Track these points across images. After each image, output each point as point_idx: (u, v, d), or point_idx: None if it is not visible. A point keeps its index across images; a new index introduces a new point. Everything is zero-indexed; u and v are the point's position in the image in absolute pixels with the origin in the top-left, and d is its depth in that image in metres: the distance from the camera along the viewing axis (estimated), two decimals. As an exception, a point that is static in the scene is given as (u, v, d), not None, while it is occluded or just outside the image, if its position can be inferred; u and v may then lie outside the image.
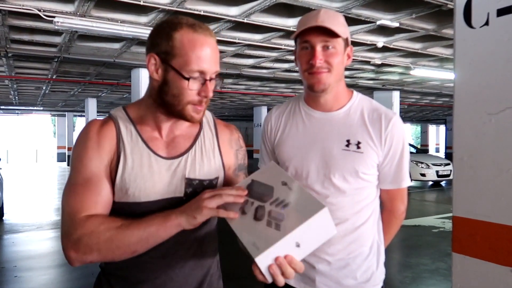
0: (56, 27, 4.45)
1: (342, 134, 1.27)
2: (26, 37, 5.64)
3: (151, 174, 1.00)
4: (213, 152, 1.11)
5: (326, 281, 1.28)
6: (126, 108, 1.08)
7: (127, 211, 0.99)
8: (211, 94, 1.00)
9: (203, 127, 1.13)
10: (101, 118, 1.09)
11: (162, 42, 0.96)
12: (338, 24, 1.22)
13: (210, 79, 0.98)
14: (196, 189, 1.04)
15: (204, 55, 0.96)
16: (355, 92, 1.35)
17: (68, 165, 18.71)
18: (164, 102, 1.00)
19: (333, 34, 1.20)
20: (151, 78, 1.01)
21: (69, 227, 0.94)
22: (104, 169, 0.99)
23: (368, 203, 1.30)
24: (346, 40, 1.25)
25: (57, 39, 5.83)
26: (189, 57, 0.95)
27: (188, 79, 0.95)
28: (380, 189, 1.34)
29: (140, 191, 0.99)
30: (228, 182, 1.14)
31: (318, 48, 1.22)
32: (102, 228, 0.91)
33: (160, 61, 0.98)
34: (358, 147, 1.25)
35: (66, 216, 0.95)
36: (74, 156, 1.01)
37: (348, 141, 1.26)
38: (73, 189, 0.98)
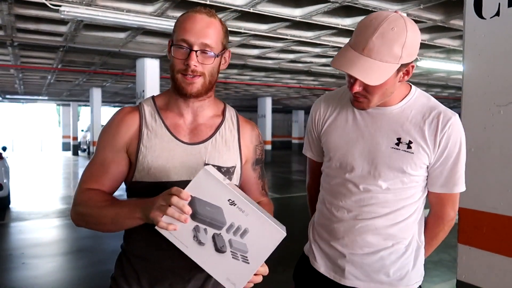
0: (62, 16, 4.44)
1: (393, 131, 1.19)
2: (31, 26, 5.64)
3: (172, 157, 1.09)
4: (233, 143, 1.17)
5: (355, 272, 1.24)
6: (155, 98, 1.18)
7: (150, 191, 1.05)
8: (193, 63, 1.04)
9: (225, 119, 1.20)
10: (131, 106, 1.21)
11: (173, 27, 1.11)
12: (389, 56, 1.06)
13: (197, 51, 1.05)
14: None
15: (189, 26, 1.06)
16: (413, 88, 1.25)
17: (73, 154, 18.83)
18: (171, 78, 1.11)
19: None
20: None
21: (76, 194, 1.12)
22: (116, 153, 1.11)
23: (412, 202, 1.23)
24: (404, 64, 1.10)
25: (62, 28, 5.82)
26: (178, 30, 1.07)
27: (171, 45, 1.07)
28: (429, 191, 1.25)
29: (161, 171, 1.08)
30: (245, 175, 1.21)
31: (357, 84, 1.12)
32: (90, 203, 1.06)
33: (170, 42, 1.11)
34: (409, 147, 1.17)
35: (78, 185, 1.14)
36: (98, 140, 1.17)
37: (398, 139, 1.18)
38: (88, 166, 1.15)
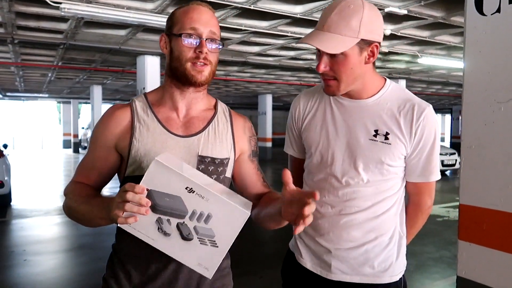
0: (62, 13, 4.44)
1: (371, 123, 1.23)
2: (32, 23, 5.64)
3: (164, 150, 1.09)
4: (226, 135, 1.18)
5: (341, 266, 1.26)
6: (146, 94, 1.19)
7: None
8: (205, 50, 1.07)
9: (218, 112, 1.20)
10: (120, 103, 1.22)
11: (168, 22, 1.14)
12: (347, 29, 1.11)
13: (206, 39, 1.08)
14: (207, 167, 1.11)
15: (196, 16, 1.08)
16: (388, 81, 1.28)
17: (73, 152, 18.85)
18: (173, 70, 1.11)
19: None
20: (166, 58, 1.15)
21: (67, 185, 1.16)
22: (105, 149, 1.13)
23: (392, 194, 1.26)
24: (365, 40, 1.14)
25: (63, 26, 5.82)
26: (183, 20, 1.09)
27: (181, 35, 1.07)
28: (407, 181, 1.30)
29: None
30: (244, 167, 1.21)
31: (324, 55, 1.17)
32: (71, 196, 1.09)
33: (167, 37, 1.13)
34: (386, 138, 1.21)
35: (73, 176, 1.18)
36: (91, 134, 1.20)
37: (376, 131, 1.22)
38: (82, 159, 1.19)
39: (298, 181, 1.41)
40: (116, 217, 0.88)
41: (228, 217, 0.90)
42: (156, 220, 0.90)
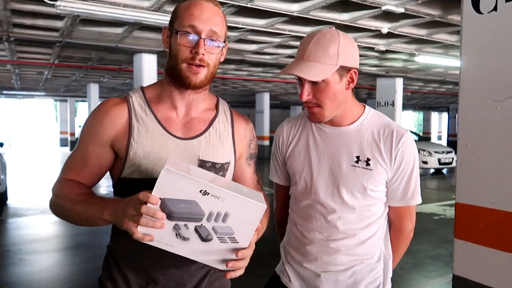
0: (58, 11, 4.41)
1: (352, 150, 1.25)
2: (28, 21, 5.60)
3: (164, 153, 1.04)
4: (227, 138, 1.14)
5: None
6: (144, 89, 1.12)
7: (140, 189, 1.00)
8: (201, 51, 1.00)
9: (219, 113, 1.16)
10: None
11: (172, 14, 1.07)
12: (326, 57, 1.15)
13: (205, 39, 1.01)
14: (208, 171, 1.06)
15: (197, 12, 1.01)
16: (367, 107, 1.32)
17: (70, 150, 18.77)
18: (170, 68, 1.05)
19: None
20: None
21: (55, 183, 1.09)
22: (99, 146, 1.06)
23: (376, 219, 1.29)
24: (343, 67, 1.18)
25: (59, 24, 5.78)
26: (183, 16, 1.02)
27: (177, 32, 1.01)
28: (389, 206, 1.32)
29: (153, 168, 1.03)
30: (241, 170, 1.19)
31: (306, 84, 1.19)
32: (62, 194, 1.03)
33: (168, 31, 1.07)
34: (368, 164, 1.23)
35: (59, 173, 1.11)
36: (81, 130, 1.12)
37: (357, 157, 1.24)
38: (69, 156, 1.12)
39: (284, 209, 1.44)
40: (131, 231, 0.84)
41: (246, 213, 0.89)
42: (173, 227, 0.88)
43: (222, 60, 1.11)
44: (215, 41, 1.03)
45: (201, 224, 0.88)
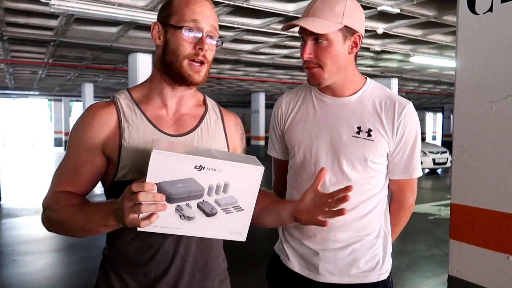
0: (52, 9, 4.38)
1: (353, 120, 1.23)
2: (21, 20, 5.56)
3: None
4: (219, 132, 1.14)
5: (330, 268, 1.26)
6: (129, 90, 1.10)
7: None
8: (206, 47, 1.00)
9: (208, 109, 1.15)
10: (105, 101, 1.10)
11: (164, 10, 1.05)
12: (332, 14, 1.15)
13: (207, 36, 1.01)
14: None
15: (198, 8, 1.01)
16: (368, 79, 1.30)
17: (65, 150, 18.64)
18: (166, 64, 1.03)
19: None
20: (156, 49, 1.06)
21: (45, 197, 1.04)
22: (90, 152, 1.02)
23: (376, 192, 1.26)
24: (347, 28, 1.17)
25: (53, 23, 5.74)
26: (184, 11, 1.00)
27: (181, 27, 0.99)
28: (390, 179, 1.30)
29: (146, 167, 0.99)
30: None
31: (309, 41, 1.17)
32: (56, 208, 0.98)
33: (162, 26, 1.04)
34: (369, 135, 1.21)
35: (49, 188, 1.06)
36: (69, 137, 1.08)
37: (359, 128, 1.22)
38: (59, 167, 1.07)
39: (283, 184, 1.41)
40: (135, 222, 0.82)
41: (245, 178, 0.88)
42: (176, 208, 0.86)
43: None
44: (213, 38, 1.03)
45: (203, 200, 0.87)
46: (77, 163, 1.03)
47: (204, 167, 0.83)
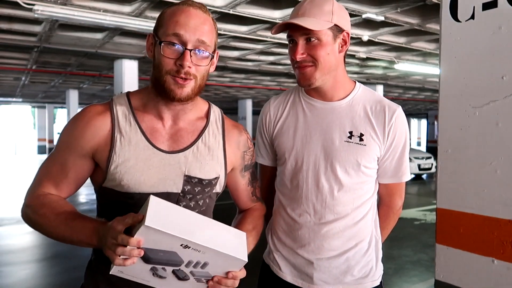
0: (35, 15, 4.32)
1: (345, 125, 1.22)
2: (4, 25, 5.46)
3: (148, 168, 0.98)
4: (217, 150, 1.08)
5: (324, 277, 1.24)
6: (130, 95, 1.06)
7: (121, 201, 0.98)
8: (187, 64, 0.93)
9: (209, 123, 1.09)
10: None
11: (157, 21, 1.00)
12: (321, 14, 1.16)
13: (191, 50, 0.94)
14: (194, 187, 1.02)
15: (182, 20, 0.94)
16: (357, 83, 1.29)
17: (48, 157, 18.35)
18: (154, 79, 0.98)
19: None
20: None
21: (27, 195, 1.02)
22: (79, 157, 1.00)
23: (368, 198, 1.26)
24: (337, 26, 1.18)
25: (37, 28, 5.66)
26: (167, 24, 0.95)
27: (161, 42, 0.94)
28: (379, 183, 1.30)
29: (135, 184, 0.97)
30: (235, 181, 1.15)
31: (300, 42, 1.17)
32: (41, 212, 0.96)
33: (153, 38, 1.00)
34: (361, 139, 1.20)
35: (31, 184, 1.03)
36: (60, 137, 1.05)
37: (350, 132, 1.21)
38: (46, 164, 1.04)
39: (270, 191, 1.39)
40: (111, 257, 0.82)
41: (225, 265, 0.89)
42: (151, 268, 0.87)
43: (212, 70, 1.04)
44: (203, 51, 0.96)
45: (179, 269, 0.88)
46: (65, 166, 1.01)
47: (189, 247, 0.83)
